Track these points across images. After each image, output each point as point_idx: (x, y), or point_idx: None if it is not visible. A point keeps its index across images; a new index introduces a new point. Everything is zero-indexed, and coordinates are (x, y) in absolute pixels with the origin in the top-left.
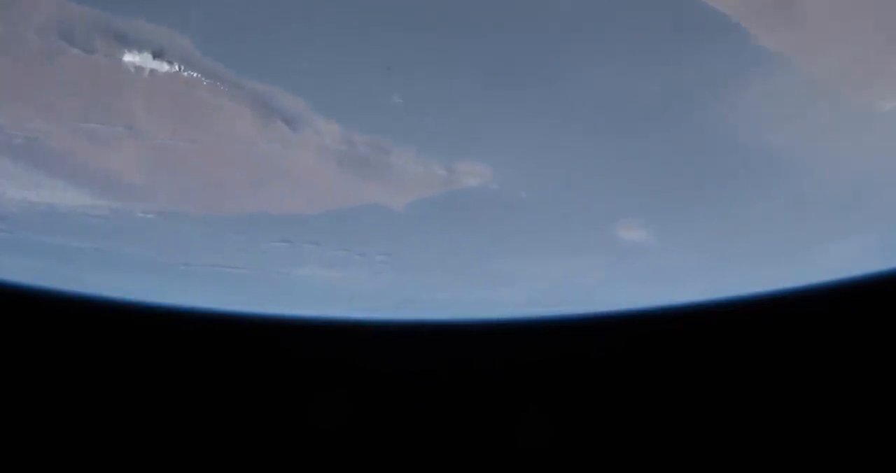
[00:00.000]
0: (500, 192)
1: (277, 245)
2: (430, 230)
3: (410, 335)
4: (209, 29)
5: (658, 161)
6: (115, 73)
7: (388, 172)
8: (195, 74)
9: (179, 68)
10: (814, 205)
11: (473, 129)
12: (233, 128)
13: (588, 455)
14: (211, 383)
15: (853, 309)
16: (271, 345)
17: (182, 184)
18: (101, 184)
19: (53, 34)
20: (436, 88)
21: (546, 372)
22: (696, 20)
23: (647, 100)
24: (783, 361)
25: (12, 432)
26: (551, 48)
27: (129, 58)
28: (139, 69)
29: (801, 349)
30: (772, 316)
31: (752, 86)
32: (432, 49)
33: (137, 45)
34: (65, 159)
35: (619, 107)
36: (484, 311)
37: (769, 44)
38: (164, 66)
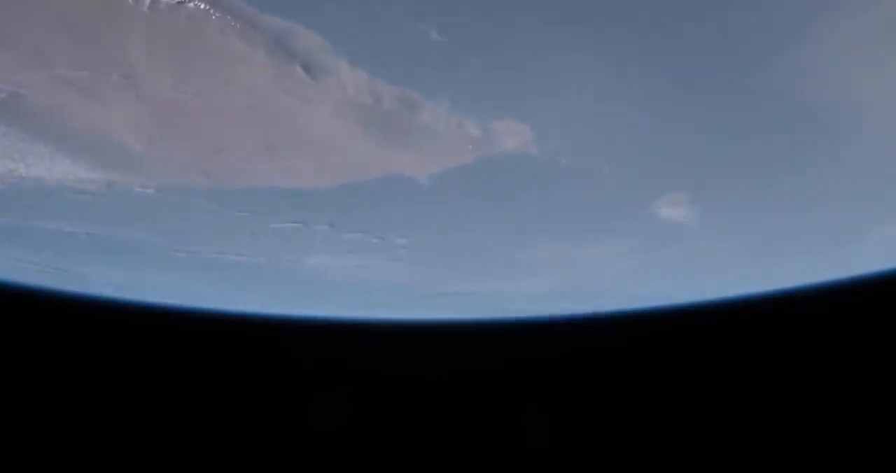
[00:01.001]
0: (538, 159)
1: (288, 226)
2: (455, 208)
3: (411, 335)
4: None
5: (712, 126)
6: (109, 5)
7: (417, 133)
8: (202, 5)
9: None
10: (872, 180)
11: (515, 80)
12: (245, 76)
13: (604, 456)
14: (211, 383)
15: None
16: (271, 345)
17: (185, 149)
18: (93, 151)
19: None
20: (479, 25)
21: (546, 372)
22: None
23: (705, 53)
24: (822, 360)
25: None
26: None
27: None
28: (138, 0)
29: (843, 346)
30: (809, 312)
31: (823, 30)
32: None
33: None
34: (53, 119)
35: (674, 62)
36: (504, 305)
37: None
38: None
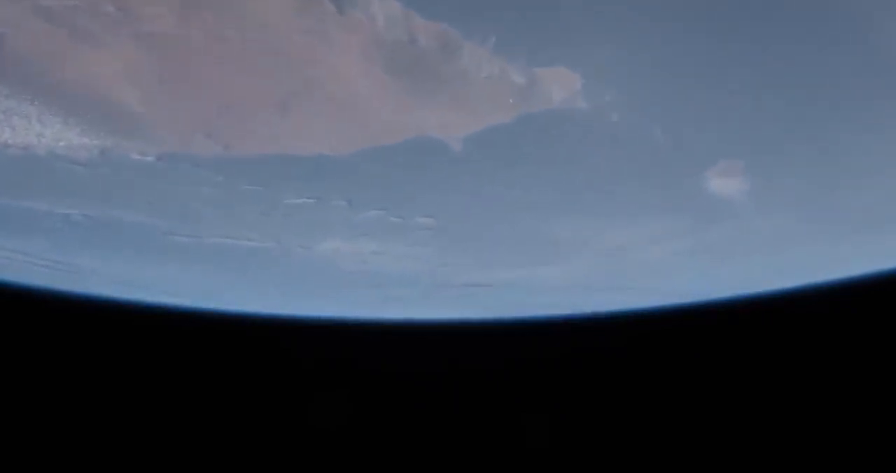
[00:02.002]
0: (585, 115)
1: (302, 201)
2: (487, 179)
3: (412, 335)
4: None
5: (779, 85)
6: None
7: (453, 81)
8: None
9: None
10: None
11: (570, 21)
12: (261, 9)
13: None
14: (211, 383)
15: None
16: (271, 345)
17: (188, 105)
18: (87, 109)
19: None
20: None
21: (546, 372)
22: None
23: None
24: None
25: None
26: None
27: None
28: None
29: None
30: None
31: None
32: None
33: None
34: (38, 69)
35: (744, 14)
36: (524, 300)
37: None
38: None
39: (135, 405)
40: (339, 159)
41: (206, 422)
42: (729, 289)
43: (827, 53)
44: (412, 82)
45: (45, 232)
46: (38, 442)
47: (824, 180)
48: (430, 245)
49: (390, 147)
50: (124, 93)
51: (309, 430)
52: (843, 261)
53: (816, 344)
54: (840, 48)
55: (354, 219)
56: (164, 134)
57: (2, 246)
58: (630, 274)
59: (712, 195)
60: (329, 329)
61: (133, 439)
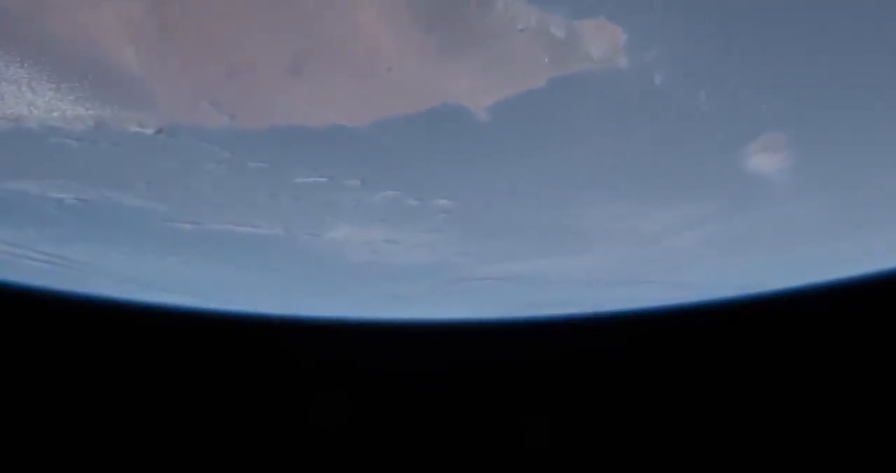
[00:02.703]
0: (626, 76)
1: (313, 181)
2: (513, 154)
3: (411, 335)
4: None
5: (835, 49)
6: None
7: (483, 35)
8: None
9: None
10: None
11: None
12: None
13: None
14: (211, 383)
15: None
16: (271, 345)
17: (193, 68)
18: (81, 74)
19: None
20: None
21: (546, 372)
22: None
23: None
24: None
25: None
26: None
27: None
28: None
29: None
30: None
31: None
32: None
33: None
34: (30, 24)
35: None
36: (543, 293)
37: None
38: None
39: (135, 405)
40: (356, 131)
41: (207, 422)
42: (756, 284)
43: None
44: (439, 38)
45: (38, 219)
46: (38, 443)
47: (871, 164)
48: (445, 231)
49: (412, 116)
50: (123, 54)
51: (309, 430)
52: (882, 254)
53: (847, 345)
54: None
55: (368, 201)
56: (165, 101)
57: None
58: (655, 266)
59: (750, 175)
60: (329, 329)
61: (133, 439)
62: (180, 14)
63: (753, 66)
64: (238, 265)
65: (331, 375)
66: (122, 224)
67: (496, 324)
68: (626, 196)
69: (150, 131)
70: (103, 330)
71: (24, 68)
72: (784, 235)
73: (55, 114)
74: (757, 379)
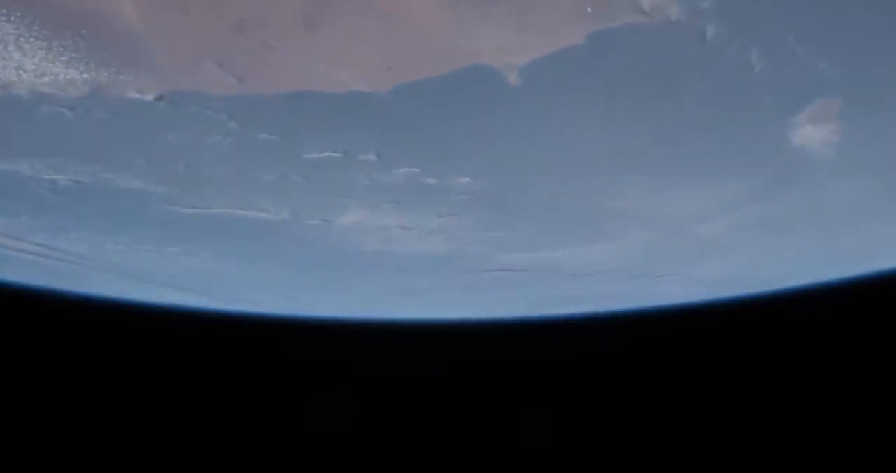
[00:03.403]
0: (676, 31)
1: (325, 156)
2: (542, 124)
3: (411, 335)
4: None
5: None
6: None
7: None
8: None
9: None
10: None
11: None
12: None
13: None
14: (212, 383)
15: None
16: (271, 345)
17: (196, 24)
18: (75, 29)
19: None
20: None
21: (546, 372)
22: None
23: None
24: None
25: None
26: None
27: None
28: None
29: None
30: None
31: None
32: None
33: None
34: None
35: None
36: (559, 288)
37: None
38: None
39: (135, 405)
40: (374, 97)
41: (207, 423)
42: (783, 278)
43: None
44: None
45: (32, 205)
46: (39, 443)
47: None
48: (463, 216)
49: (436, 81)
50: (121, 5)
51: (309, 430)
52: None
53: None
54: None
55: (383, 179)
56: (166, 62)
57: None
58: (679, 255)
59: (794, 149)
60: (329, 329)
61: (133, 439)
62: None
63: (814, 21)
64: (241, 256)
65: (331, 375)
66: (120, 209)
67: (496, 324)
68: (660, 173)
69: (149, 97)
70: (102, 330)
71: (12, 23)
72: (823, 221)
73: (47, 78)
74: (761, 380)
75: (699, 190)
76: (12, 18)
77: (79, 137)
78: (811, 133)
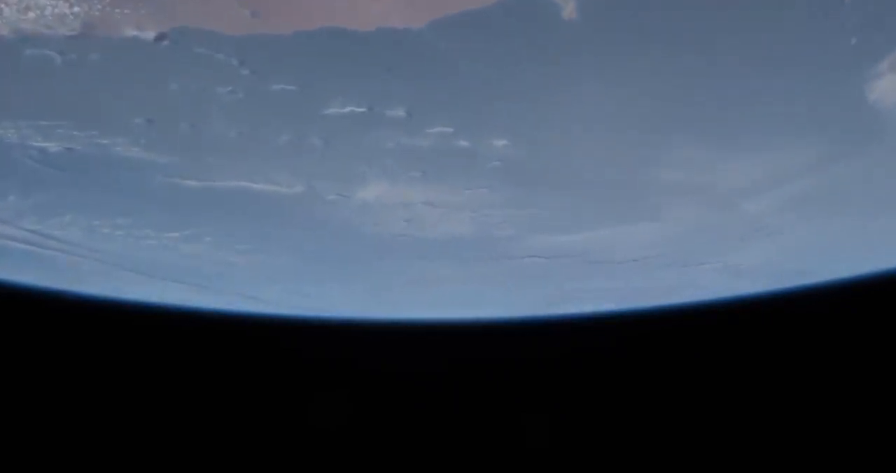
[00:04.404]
0: None
1: (348, 111)
2: (597, 71)
3: (410, 335)
4: None
5: None
6: None
7: None
8: None
9: None
10: None
11: None
12: None
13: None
14: (212, 383)
15: None
16: (272, 345)
17: None
18: None
19: None
20: None
21: (546, 372)
22: None
23: None
24: None
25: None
26: None
27: None
28: None
29: None
30: None
31: None
32: None
33: None
34: None
35: None
36: (587, 276)
37: None
38: None
39: (135, 405)
40: (407, 36)
41: (207, 423)
42: (826, 268)
43: None
44: None
45: (20, 179)
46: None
47: None
48: (495, 188)
49: (478, 14)
50: None
51: (309, 430)
52: None
53: None
54: None
55: (411, 142)
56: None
57: None
58: (721, 238)
59: (866, 109)
60: (329, 329)
61: (134, 439)
62: None
63: None
64: (248, 242)
65: (331, 375)
66: (118, 183)
67: (497, 324)
68: (716, 138)
69: (149, 36)
70: (103, 330)
71: None
72: (880, 201)
73: (32, 13)
74: (767, 382)
75: (754, 158)
76: None
77: (69, 90)
78: (890, 89)
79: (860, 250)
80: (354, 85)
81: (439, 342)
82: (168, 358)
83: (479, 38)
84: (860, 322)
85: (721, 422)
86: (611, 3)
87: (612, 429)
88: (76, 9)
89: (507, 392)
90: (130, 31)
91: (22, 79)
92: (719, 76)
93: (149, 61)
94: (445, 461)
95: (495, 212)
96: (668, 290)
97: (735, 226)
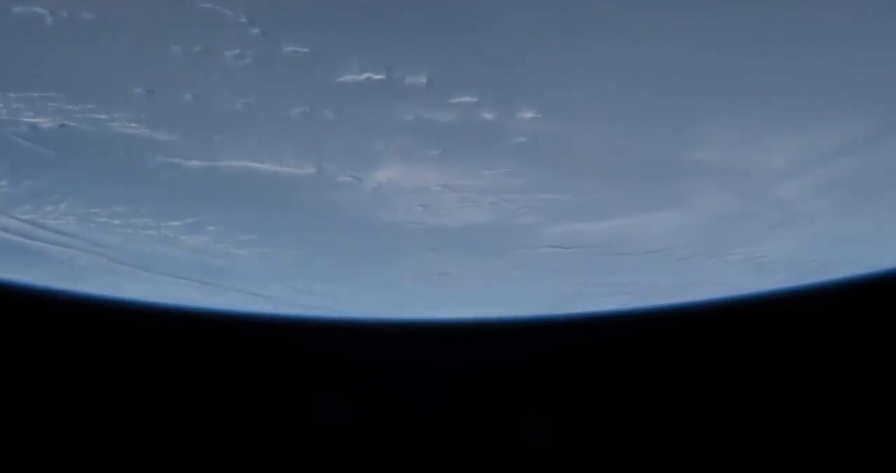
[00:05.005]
0: None
1: (364, 78)
2: (641, 27)
3: (410, 335)
4: None
5: None
6: None
7: None
8: None
9: None
10: None
11: None
12: None
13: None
14: (212, 383)
15: None
16: (272, 345)
17: None
18: None
19: None
20: None
21: (546, 372)
22: None
23: None
24: None
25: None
26: None
27: None
28: None
29: None
30: None
31: None
32: None
33: None
34: None
35: None
36: (607, 271)
37: None
38: None
39: (135, 405)
40: None
41: (208, 423)
42: (860, 262)
43: None
44: None
45: (12, 160)
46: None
47: None
48: (518, 170)
49: None
50: None
51: (309, 430)
52: None
53: None
54: None
55: (431, 116)
56: None
57: None
58: (751, 225)
59: None
60: (329, 329)
61: (134, 439)
62: None
63: None
64: (253, 231)
65: (332, 375)
66: (116, 165)
67: (497, 324)
68: (756, 112)
69: None
70: (104, 330)
71: None
72: None
73: None
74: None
75: (794, 135)
76: None
77: (62, 56)
78: None
79: (886, 244)
80: (372, 46)
81: (439, 342)
82: (168, 358)
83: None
84: (878, 320)
85: (728, 426)
86: None
87: (612, 430)
88: None
89: (516, 396)
90: None
91: (9, 43)
92: (768, 41)
93: (149, 21)
94: (445, 461)
95: (516, 197)
96: (684, 287)
97: (766, 213)
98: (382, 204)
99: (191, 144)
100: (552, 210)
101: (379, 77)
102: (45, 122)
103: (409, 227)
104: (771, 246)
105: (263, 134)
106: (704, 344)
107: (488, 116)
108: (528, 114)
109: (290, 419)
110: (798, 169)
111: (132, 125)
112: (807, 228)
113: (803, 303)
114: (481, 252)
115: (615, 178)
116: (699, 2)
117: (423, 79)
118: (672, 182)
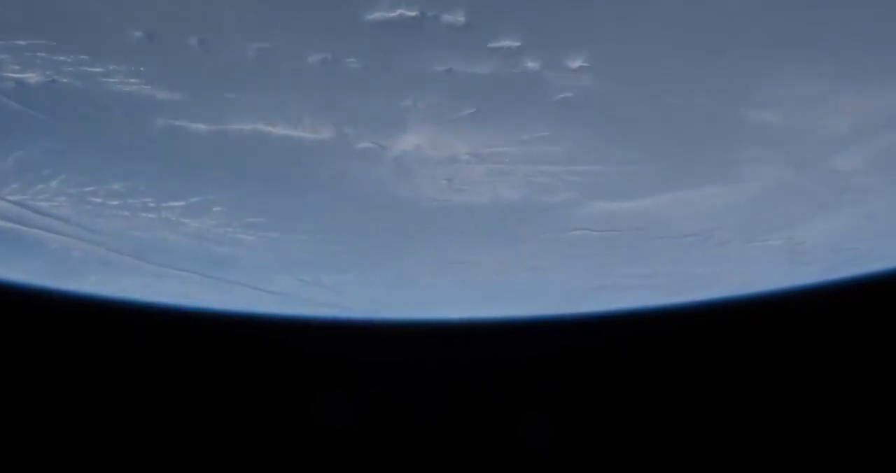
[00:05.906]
0: None
1: (396, 15)
2: None
3: (411, 335)
4: None
5: None
6: None
7: None
8: None
9: None
10: None
11: None
12: None
13: None
14: (212, 383)
15: None
16: (272, 345)
17: None
18: None
19: None
20: None
21: (546, 372)
22: None
23: None
24: None
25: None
26: None
27: None
28: None
29: None
30: None
31: None
32: None
33: None
34: None
35: None
36: (636, 260)
37: None
38: None
39: (135, 405)
40: None
41: (208, 423)
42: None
43: None
44: None
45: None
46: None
47: None
48: (559, 135)
49: None
50: None
51: (310, 430)
52: None
53: None
54: None
55: (466, 66)
56: None
57: None
58: (800, 204)
59: None
60: (330, 329)
61: (134, 439)
62: None
63: None
64: (262, 213)
65: (332, 375)
66: (111, 131)
67: (497, 324)
68: (823, 68)
69: None
70: (104, 330)
71: None
72: None
73: None
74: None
75: (858, 95)
76: None
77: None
78: None
79: None
80: None
81: (439, 342)
82: (168, 359)
83: None
84: None
85: (752, 432)
86: None
87: (612, 431)
88: None
89: (507, 392)
90: None
91: None
92: None
93: None
94: (445, 461)
95: (551, 168)
96: (714, 278)
97: (816, 188)
98: (404, 177)
99: (196, 104)
100: (588, 185)
101: (412, 14)
102: (32, 77)
103: (432, 205)
104: (814, 230)
105: (278, 88)
106: (719, 346)
107: (531, 65)
108: (577, 63)
109: (290, 419)
110: (860, 136)
111: (130, 81)
112: (855, 209)
113: (837, 299)
114: (505, 237)
115: (662, 145)
116: None
117: (461, 19)
118: (724, 149)
